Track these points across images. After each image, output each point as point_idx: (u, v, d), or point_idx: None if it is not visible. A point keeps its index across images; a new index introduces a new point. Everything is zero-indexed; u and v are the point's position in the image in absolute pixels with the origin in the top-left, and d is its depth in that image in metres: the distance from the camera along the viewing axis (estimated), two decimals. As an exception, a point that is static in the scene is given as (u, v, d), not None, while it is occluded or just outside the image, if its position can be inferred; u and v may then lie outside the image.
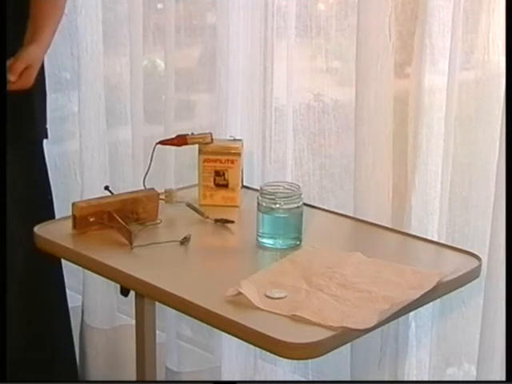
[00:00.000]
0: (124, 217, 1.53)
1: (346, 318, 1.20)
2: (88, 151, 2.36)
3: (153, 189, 1.64)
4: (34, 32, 1.98)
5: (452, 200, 1.68)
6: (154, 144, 1.73)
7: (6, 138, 1.74)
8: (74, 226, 1.54)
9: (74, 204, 1.54)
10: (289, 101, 1.94)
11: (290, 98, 1.94)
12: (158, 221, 1.60)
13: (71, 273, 2.29)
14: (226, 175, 1.72)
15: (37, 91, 2.05)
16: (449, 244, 1.56)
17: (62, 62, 2.46)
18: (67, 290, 2.32)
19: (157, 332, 1.69)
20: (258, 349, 1.96)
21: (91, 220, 1.54)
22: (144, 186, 1.69)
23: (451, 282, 1.36)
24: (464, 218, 1.70)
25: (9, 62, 1.89)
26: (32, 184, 2.16)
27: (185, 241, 1.50)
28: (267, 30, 1.96)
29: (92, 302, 2.42)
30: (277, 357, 1.21)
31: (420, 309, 1.40)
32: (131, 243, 1.47)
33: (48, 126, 2.19)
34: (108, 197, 1.62)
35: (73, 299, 2.38)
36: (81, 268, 2.04)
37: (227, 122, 2.01)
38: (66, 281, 2.26)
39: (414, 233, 1.64)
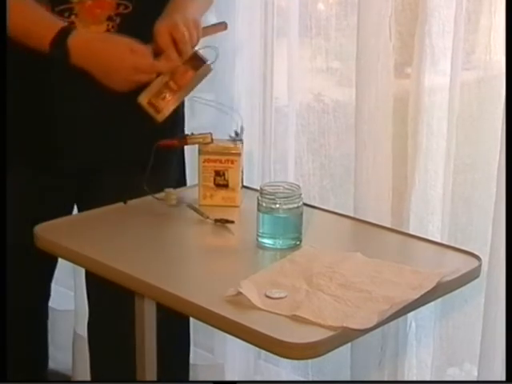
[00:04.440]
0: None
1: (345, 317, 1.19)
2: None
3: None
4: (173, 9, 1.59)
5: (454, 200, 1.68)
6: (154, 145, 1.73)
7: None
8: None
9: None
10: (289, 101, 1.94)
11: (291, 98, 1.94)
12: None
13: (68, 275, 2.29)
14: (226, 175, 1.71)
15: None
16: (451, 244, 1.56)
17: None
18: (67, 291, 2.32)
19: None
20: (258, 349, 1.96)
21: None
22: (145, 188, 1.67)
23: (451, 282, 1.36)
24: (466, 217, 1.70)
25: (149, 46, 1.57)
26: None
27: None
28: (267, 30, 1.96)
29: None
30: (277, 357, 1.20)
31: (421, 308, 1.40)
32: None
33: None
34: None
35: (70, 300, 2.37)
36: (77, 269, 2.05)
37: (227, 122, 2.01)
38: (63, 281, 2.26)
39: (414, 233, 1.64)
